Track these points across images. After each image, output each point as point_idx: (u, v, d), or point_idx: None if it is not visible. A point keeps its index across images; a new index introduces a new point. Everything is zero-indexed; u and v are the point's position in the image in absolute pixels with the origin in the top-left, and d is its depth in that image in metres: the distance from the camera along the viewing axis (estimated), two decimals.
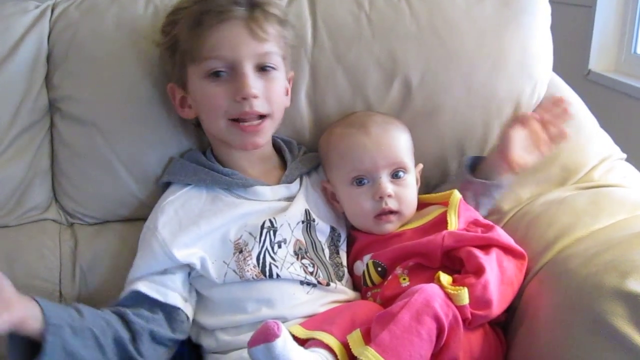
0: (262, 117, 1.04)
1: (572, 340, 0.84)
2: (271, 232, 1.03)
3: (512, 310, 0.99)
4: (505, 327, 1.00)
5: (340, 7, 1.19)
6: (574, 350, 0.84)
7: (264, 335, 0.79)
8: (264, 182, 1.09)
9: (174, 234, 1.01)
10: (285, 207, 1.07)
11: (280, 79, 1.07)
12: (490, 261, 0.94)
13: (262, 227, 1.03)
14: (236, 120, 1.03)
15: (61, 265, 1.12)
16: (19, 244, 1.12)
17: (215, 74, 1.02)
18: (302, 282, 1.00)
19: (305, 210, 1.07)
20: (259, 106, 1.02)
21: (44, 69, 1.15)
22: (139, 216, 1.16)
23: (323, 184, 1.12)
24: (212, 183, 1.06)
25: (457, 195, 1.04)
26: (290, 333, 0.90)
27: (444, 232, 0.98)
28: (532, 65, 1.21)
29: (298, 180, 1.12)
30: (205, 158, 1.10)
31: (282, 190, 1.09)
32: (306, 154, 1.17)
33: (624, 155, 1.21)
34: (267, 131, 1.06)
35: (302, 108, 1.18)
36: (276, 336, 0.79)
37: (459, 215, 1.02)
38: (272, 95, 1.04)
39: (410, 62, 1.18)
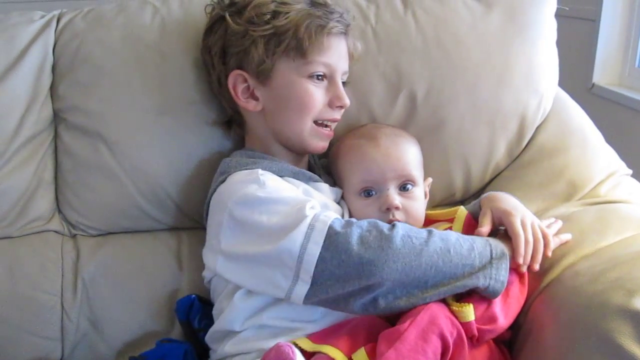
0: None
1: (578, 358, 0.83)
2: None
3: (517, 327, 0.98)
4: (511, 344, 0.99)
5: None
6: None
7: None
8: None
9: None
10: (342, 212, 1.06)
11: None
12: None
13: None
14: (317, 124, 1.06)
15: (63, 277, 1.12)
16: (21, 256, 1.12)
17: (316, 77, 1.04)
18: None
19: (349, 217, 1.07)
20: (340, 115, 1.09)
21: (49, 79, 1.15)
22: (142, 228, 1.17)
23: None
24: (280, 171, 1.03)
25: (463, 211, 1.03)
26: (298, 346, 0.90)
27: None
28: (537, 80, 1.21)
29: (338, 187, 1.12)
30: (260, 153, 1.08)
31: (335, 192, 1.09)
32: (320, 159, 1.18)
33: (630, 171, 1.20)
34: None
35: None
36: None
37: (464, 231, 1.01)
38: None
39: (416, 75, 1.18)
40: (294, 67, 1.03)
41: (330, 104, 1.06)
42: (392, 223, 0.92)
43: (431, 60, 1.18)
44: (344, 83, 1.09)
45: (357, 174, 1.06)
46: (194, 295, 1.06)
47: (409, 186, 1.06)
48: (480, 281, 0.90)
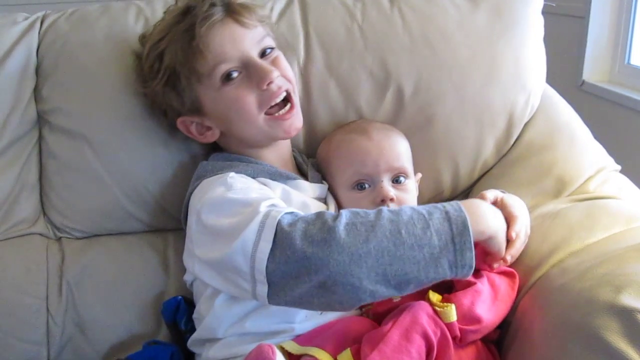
0: (286, 99, 1.03)
1: (566, 356, 0.83)
2: None
3: (505, 326, 0.98)
4: (500, 343, 0.99)
5: (332, 19, 1.18)
6: None
7: None
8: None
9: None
10: (325, 210, 1.05)
11: (281, 55, 1.07)
12: (480, 280, 0.94)
13: None
14: (270, 114, 1.02)
15: (48, 281, 1.11)
16: (5, 259, 1.10)
17: (229, 77, 1.00)
18: None
19: None
20: (282, 82, 1.02)
21: (32, 81, 1.14)
22: (127, 230, 1.16)
23: None
24: (255, 173, 1.02)
25: None
26: (284, 349, 0.89)
27: None
28: (525, 76, 1.21)
29: (324, 182, 1.11)
30: (237, 155, 1.07)
31: (317, 189, 1.08)
32: (309, 159, 1.17)
33: (619, 167, 1.20)
34: (298, 109, 1.05)
35: None
36: None
37: None
38: (284, 71, 1.04)
39: (403, 73, 1.17)
40: (206, 86, 1.01)
41: (259, 87, 1.00)
42: (339, 212, 0.88)
43: (418, 58, 1.17)
44: (265, 52, 1.03)
45: (350, 167, 1.06)
46: (180, 297, 1.05)
47: (401, 178, 1.06)
48: (448, 273, 0.84)
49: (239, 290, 0.91)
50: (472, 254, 0.84)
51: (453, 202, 0.88)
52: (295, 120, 1.05)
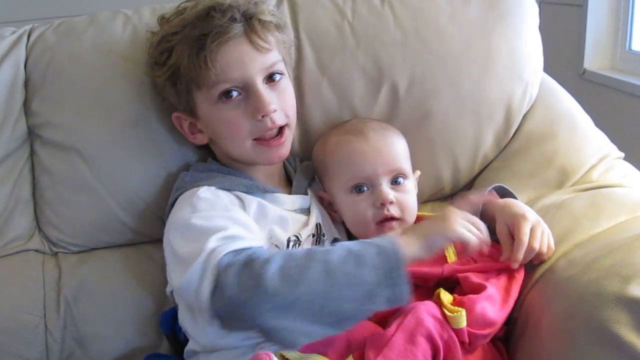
0: (281, 129, 1.02)
1: (575, 350, 0.81)
2: (297, 246, 0.99)
3: (512, 322, 0.95)
4: (507, 339, 0.97)
5: (322, 18, 1.17)
6: None
7: None
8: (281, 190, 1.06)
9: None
10: (306, 221, 1.04)
11: (288, 85, 1.05)
12: (490, 282, 0.91)
13: (288, 241, 0.99)
14: (258, 139, 1.01)
15: (45, 297, 1.09)
16: (1, 277, 1.09)
17: (228, 96, 0.98)
18: None
19: (317, 225, 1.04)
20: (278, 119, 1.00)
21: (22, 96, 1.12)
22: (124, 242, 1.14)
23: (320, 194, 1.10)
24: (232, 186, 1.01)
25: None
26: (285, 357, 0.87)
27: (444, 266, 0.94)
28: (521, 67, 1.18)
29: (309, 192, 1.09)
30: (217, 165, 1.06)
31: (298, 200, 1.06)
32: (302, 163, 1.15)
33: (622, 154, 1.18)
34: (289, 141, 1.05)
35: None
36: None
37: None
38: (286, 104, 1.02)
39: (397, 69, 1.15)
40: (203, 97, 0.99)
41: (253, 117, 0.98)
42: (270, 254, 0.86)
43: (411, 53, 1.15)
44: (273, 78, 1.01)
45: (348, 171, 1.04)
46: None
47: (400, 179, 1.04)
48: (385, 307, 0.83)
49: (200, 314, 0.92)
50: (407, 287, 0.82)
51: (386, 237, 0.88)
52: (282, 151, 1.03)
